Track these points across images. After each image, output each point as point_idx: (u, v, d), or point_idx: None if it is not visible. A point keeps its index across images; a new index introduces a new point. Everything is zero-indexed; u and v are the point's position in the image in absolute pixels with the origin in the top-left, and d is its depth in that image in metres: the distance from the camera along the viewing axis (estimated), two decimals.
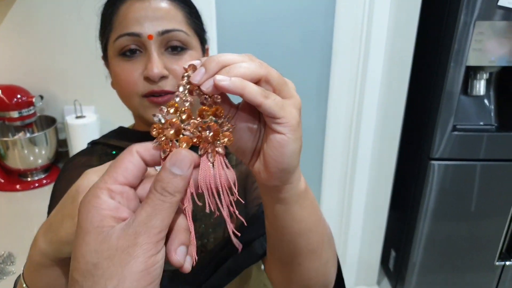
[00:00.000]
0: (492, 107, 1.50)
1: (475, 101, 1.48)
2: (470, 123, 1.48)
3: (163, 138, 0.33)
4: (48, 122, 1.37)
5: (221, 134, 0.34)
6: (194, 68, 0.34)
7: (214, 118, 0.34)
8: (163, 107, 0.33)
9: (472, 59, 1.36)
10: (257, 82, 0.34)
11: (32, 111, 1.27)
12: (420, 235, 1.62)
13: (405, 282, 1.71)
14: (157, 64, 0.59)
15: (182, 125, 0.33)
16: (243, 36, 1.54)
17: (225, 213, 0.34)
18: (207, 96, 0.34)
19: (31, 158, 1.27)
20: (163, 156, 0.32)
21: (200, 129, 0.34)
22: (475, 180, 1.53)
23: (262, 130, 0.39)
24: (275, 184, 0.40)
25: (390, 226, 1.79)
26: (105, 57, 0.68)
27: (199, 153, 0.33)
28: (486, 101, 1.50)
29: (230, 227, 0.35)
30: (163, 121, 0.33)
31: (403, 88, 1.54)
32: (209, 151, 0.34)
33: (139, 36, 0.60)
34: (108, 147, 0.71)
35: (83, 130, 1.30)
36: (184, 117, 0.33)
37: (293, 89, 0.37)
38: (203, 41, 0.68)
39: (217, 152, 0.34)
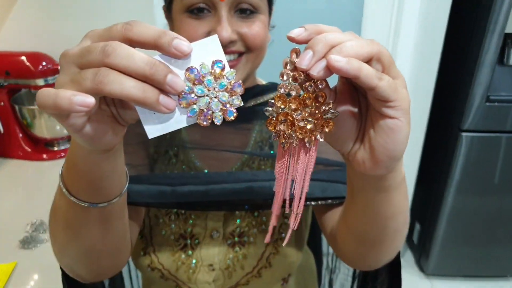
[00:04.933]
0: None
1: (511, 71, 1.42)
2: (505, 94, 1.43)
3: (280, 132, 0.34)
4: None
5: (324, 122, 0.34)
6: (297, 52, 0.32)
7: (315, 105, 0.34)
8: (271, 101, 0.33)
9: (511, 26, 1.29)
10: (367, 61, 0.31)
11: None
12: (445, 208, 1.60)
13: (429, 255, 1.71)
14: (227, 27, 0.57)
15: (294, 115, 0.33)
16: None
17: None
18: (311, 83, 0.33)
19: (57, 128, 1.25)
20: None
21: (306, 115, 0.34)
22: (500, 152, 1.49)
23: (363, 115, 0.37)
24: (381, 173, 0.37)
25: (416, 199, 1.78)
26: (168, 9, 0.65)
27: (294, 139, 0.34)
28: None
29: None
30: (275, 115, 0.33)
31: (436, 56, 1.48)
32: (306, 139, 0.34)
33: None
34: None
35: None
36: (293, 106, 0.33)
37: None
38: (270, 3, 0.65)
39: (316, 139, 0.34)
